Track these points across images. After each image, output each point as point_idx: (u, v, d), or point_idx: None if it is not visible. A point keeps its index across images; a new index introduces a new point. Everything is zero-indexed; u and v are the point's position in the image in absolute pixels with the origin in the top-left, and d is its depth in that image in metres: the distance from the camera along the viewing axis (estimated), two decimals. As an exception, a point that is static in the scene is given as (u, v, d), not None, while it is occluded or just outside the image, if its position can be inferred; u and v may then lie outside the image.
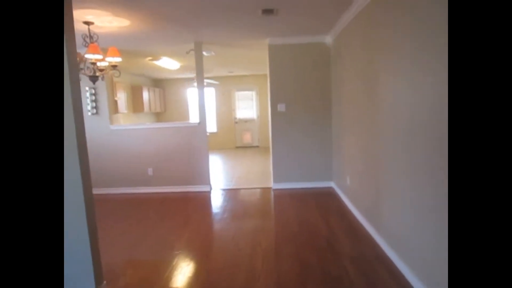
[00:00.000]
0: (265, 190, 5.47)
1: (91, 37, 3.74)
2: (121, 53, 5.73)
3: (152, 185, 5.63)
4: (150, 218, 4.33)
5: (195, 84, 9.44)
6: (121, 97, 7.84)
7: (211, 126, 11.11)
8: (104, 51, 3.96)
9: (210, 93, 10.96)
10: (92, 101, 5.45)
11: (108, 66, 3.91)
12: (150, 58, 6.41)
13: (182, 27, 4.28)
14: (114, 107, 6.39)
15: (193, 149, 5.49)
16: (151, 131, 5.53)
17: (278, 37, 5.10)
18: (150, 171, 5.59)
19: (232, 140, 11.07)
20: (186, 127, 5.51)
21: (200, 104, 5.44)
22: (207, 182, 5.55)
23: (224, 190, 5.61)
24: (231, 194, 5.35)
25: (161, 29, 4.30)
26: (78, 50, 3.66)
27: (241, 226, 3.88)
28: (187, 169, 5.55)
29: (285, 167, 5.45)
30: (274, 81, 5.31)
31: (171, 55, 6.26)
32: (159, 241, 3.56)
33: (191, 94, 11.00)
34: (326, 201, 4.69)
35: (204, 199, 5.09)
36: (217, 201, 4.98)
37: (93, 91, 5.43)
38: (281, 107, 5.33)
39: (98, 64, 3.87)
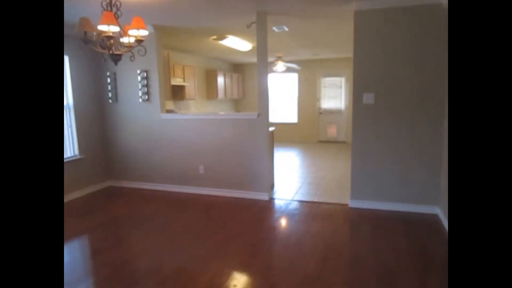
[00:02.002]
0: (340, 208, 4.13)
1: (111, 4, 2.94)
2: (176, 31, 4.99)
3: (202, 185, 4.81)
4: (189, 231, 3.47)
5: (276, 68, 8.40)
6: (191, 82, 7.24)
7: (291, 116, 9.93)
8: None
9: (292, 79, 9.75)
10: (143, 86, 4.82)
11: (131, 42, 3.08)
12: (214, 37, 5.52)
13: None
14: (169, 93, 5.73)
15: (250, 147, 4.45)
16: (204, 123, 4.66)
17: (367, 0, 3.62)
18: (201, 169, 4.76)
19: (314, 133, 9.72)
20: (242, 119, 4.48)
21: (261, 92, 4.33)
22: (265, 189, 4.47)
23: (286, 201, 4.45)
24: (292, 209, 4.17)
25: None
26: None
27: (286, 275, 2.71)
28: (242, 170, 4.55)
29: (368, 180, 4.00)
30: (359, 61, 3.86)
31: (237, 32, 5.25)
32: (191, 267, 2.65)
33: (272, 80, 9.96)
34: (427, 237, 3.15)
35: (257, 213, 4.03)
36: (270, 219, 3.87)
37: (144, 75, 4.80)
38: (367, 98, 3.87)
39: (122, 40, 3.07)
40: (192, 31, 5.09)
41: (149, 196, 4.81)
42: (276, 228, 3.57)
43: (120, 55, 3.04)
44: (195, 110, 8.03)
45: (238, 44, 6.00)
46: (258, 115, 4.35)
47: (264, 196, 4.48)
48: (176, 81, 6.65)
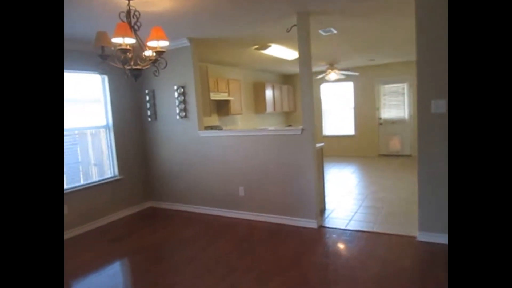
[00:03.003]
0: (405, 241, 3.35)
1: (130, 15, 2.67)
2: (213, 43, 4.68)
3: (242, 209, 4.35)
4: (222, 263, 3.01)
5: (329, 76, 7.75)
6: (236, 96, 6.93)
7: (348, 128, 9.12)
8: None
9: (347, 88, 8.98)
10: (180, 102, 4.57)
11: (150, 56, 2.77)
12: (255, 47, 5.13)
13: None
14: (213, 108, 5.42)
15: (294, 166, 3.89)
16: (242, 140, 4.23)
17: (434, -16, 2.92)
18: (241, 191, 4.31)
19: (374, 146, 8.78)
20: (285, 135, 3.96)
21: (305, 104, 3.77)
22: (313, 215, 3.86)
23: (337, 231, 3.78)
24: (346, 241, 3.50)
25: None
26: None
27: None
28: (285, 193, 4.00)
29: (441, 206, 3.18)
30: (424, 61, 3.13)
31: (279, 40, 4.79)
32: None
33: (325, 90, 9.29)
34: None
35: (301, 245, 3.44)
36: (317, 254, 3.24)
37: (181, 90, 4.54)
38: (437, 106, 3.11)
39: (146, 53, 2.79)
40: (231, 42, 4.75)
41: (188, 219, 4.47)
42: (323, 267, 2.94)
43: (139, 70, 2.75)
44: (242, 125, 7.69)
45: (283, 53, 5.53)
46: (302, 130, 3.79)
47: (311, 224, 3.86)
48: (220, 95, 6.38)
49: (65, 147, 4.18)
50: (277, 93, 8.59)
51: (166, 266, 3.19)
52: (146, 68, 2.84)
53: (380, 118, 8.69)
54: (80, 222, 4.20)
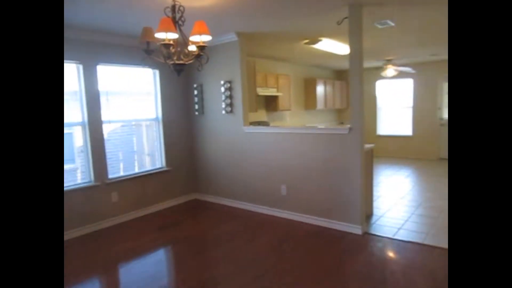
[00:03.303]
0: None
1: (175, 10, 2.69)
2: (262, 37, 4.59)
3: (283, 208, 4.24)
4: (257, 263, 2.96)
5: (386, 73, 7.27)
6: (285, 92, 6.80)
7: (405, 128, 8.52)
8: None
9: (406, 85, 8.37)
10: (227, 97, 4.57)
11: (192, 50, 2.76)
12: (306, 41, 4.95)
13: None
14: (261, 104, 5.36)
15: (340, 167, 3.69)
16: (286, 137, 4.11)
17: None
18: (283, 190, 4.21)
19: (434, 148, 8.10)
20: (331, 134, 3.76)
21: (354, 101, 3.55)
22: (358, 220, 3.63)
23: (384, 239, 3.51)
24: (392, 251, 3.23)
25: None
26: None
27: None
28: (329, 195, 3.82)
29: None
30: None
31: (331, 34, 4.56)
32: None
33: (381, 87, 8.76)
34: None
35: (343, 251, 3.25)
36: (359, 263, 3.03)
37: (228, 85, 4.54)
38: None
39: (192, 48, 2.79)
40: (280, 36, 4.63)
41: (229, 213, 4.50)
42: (365, 278, 2.74)
43: (182, 65, 2.76)
44: (291, 121, 7.55)
45: (334, 47, 5.27)
46: (350, 129, 3.57)
47: (356, 229, 3.64)
48: (269, 91, 6.29)
49: (123, 136, 4.46)
50: (329, 89, 8.28)
51: (205, 259, 3.22)
52: (190, 63, 2.85)
53: (442, 119, 7.97)
54: (130, 209, 4.42)
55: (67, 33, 3.69)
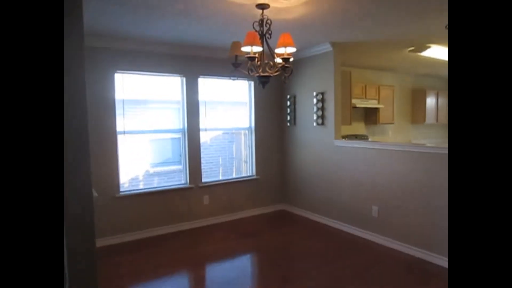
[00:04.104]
0: None
1: (263, 24, 2.74)
2: (359, 46, 4.32)
3: (373, 231, 3.87)
4: (335, 286, 2.78)
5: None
6: (388, 104, 6.28)
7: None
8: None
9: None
10: (318, 108, 4.44)
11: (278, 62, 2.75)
12: (410, 48, 4.47)
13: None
14: (348, 116, 5.05)
15: (444, 192, 3.19)
16: (382, 154, 3.75)
17: None
18: (374, 211, 3.85)
19: None
20: (433, 154, 3.28)
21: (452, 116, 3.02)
22: (463, 258, 3.05)
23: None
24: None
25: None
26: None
27: None
28: (429, 223, 3.32)
29: None
30: None
31: (440, 40, 4.01)
32: None
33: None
34: None
35: (438, 291, 2.78)
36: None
37: (320, 97, 4.41)
38: None
39: (278, 60, 2.81)
40: (379, 44, 4.29)
41: (315, 228, 4.34)
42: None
43: (267, 77, 2.79)
44: (394, 136, 6.92)
45: (445, 54, 4.62)
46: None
47: (459, 267, 3.07)
48: (368, 103, 5.91)
49: (224, 143, 4.84)
50: (441, 101, 7.32)
51: (283, 272, 3.16)
52: (276, 75, 2.87)
53: None
54: (219, 213, 4.67)
55: (175, 50, 4.14)
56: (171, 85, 4.33)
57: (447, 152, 3.15)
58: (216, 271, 3.24)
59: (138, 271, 3.20)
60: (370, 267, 3.22)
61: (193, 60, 4.34)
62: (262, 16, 2.76)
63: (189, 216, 4.42)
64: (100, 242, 3.74)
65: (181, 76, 4.30)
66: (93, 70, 3.69)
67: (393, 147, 3.66)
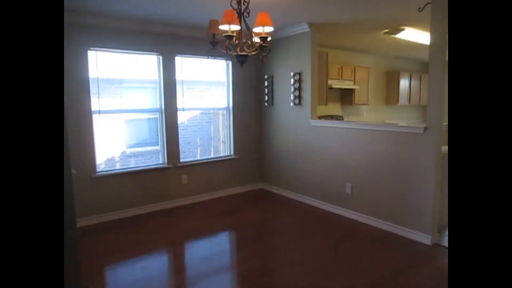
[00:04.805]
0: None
1: (241, 2, 2.73)
2: (337, 27, 4.37)
3: (347, 207, 4.06)
4: (312, 258, 2.93)
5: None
6: (363, 85, 6.43)
7: None
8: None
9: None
10: (296, 89, 4.51)
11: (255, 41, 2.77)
12: (385, 31, 4.57)
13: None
14: (324, 97, 5.16)
15: (411, 170, 3.38)
16: (354, 133, 3.90)
17: None
18: (348, 188, 4.03)
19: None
20: (403, 133, 3.45)
21: (432, 99, 3.18)
22: (428, 230, 3.29)
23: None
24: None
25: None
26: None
27: None
28: (398, 198, 3.53)
29: None
30: None
31: (414, 23, 4.13)
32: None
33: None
34: None
35: (407, 260, 2.99)
36: (422, 275, 2.75)
37: (297, 77, 4.47)
38: None
39: (256, 39, 2.82)
40: (356, 26, 4.36)
41: (292, 206, 4.49)
42: (424, 293, 2.49)
43: (245, 56, 2.80)
44: (368, 117, 7.13)
45: (419, 37, 4.77)
46: (425, 128, 3.22)
47: (424, 239, 3.31)
48: (344, 84, 6.03)
49: (202, 124, 4.83)
50: (414, 83, 7.57)
51: (262, 247, 3.30)
52: (254, 54, 2.89)
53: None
54: (198, 192, 4.72)
55: (151, 27, 4.04)
56: (147, 64, 4.25)
57: (414, 131, 3.32)
58: (196, 248, 3.33)
59: (119, 249, 3.24)
60: (343, 240, 3.41)
61: (170, 39, 4.26)
62: (240, -8, 2.75)
63: (168, 196, 4.46)
64: (79, 223, 3.72)
65: (157, 55, 4.22)
66: (65, 47, 3.57)
67: (367, 127, 3.80)
